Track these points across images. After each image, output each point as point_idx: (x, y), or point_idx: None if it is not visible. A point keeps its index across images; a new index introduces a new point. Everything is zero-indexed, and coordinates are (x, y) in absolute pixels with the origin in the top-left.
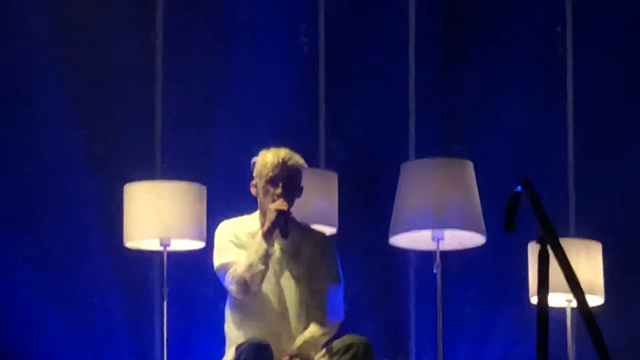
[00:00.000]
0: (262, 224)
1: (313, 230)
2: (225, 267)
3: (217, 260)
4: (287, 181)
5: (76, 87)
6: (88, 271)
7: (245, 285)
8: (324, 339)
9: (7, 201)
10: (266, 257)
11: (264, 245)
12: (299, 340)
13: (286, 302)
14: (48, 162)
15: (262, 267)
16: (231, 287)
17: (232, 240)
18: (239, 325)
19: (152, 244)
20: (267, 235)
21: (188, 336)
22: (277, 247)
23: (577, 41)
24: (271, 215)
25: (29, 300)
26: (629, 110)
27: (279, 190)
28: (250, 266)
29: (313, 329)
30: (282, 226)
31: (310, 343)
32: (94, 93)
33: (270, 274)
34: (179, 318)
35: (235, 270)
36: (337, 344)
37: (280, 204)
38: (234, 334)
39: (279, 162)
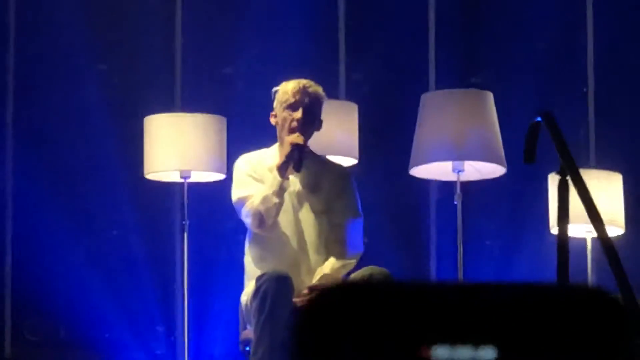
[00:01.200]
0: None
1: (332, 163)
2: (243, 201)
3: (235, 193)
4: (307, 108)
5: (96, 21)
6: (108, 203)
7: (261, 218)
8: (344, 271)
9: (28, 133)
10: (281, 191)
11: (279, 179)
12: (319, 272)
13: (305, 236)
14: (69, 95)
15: (276, 200)
16: (247, 219)
17: (250, 174)
18: (259, 258)
19: (172, 176)
20: (282, 169)
21: (208, 268)
22: (295, 180)
23: None
24: (286, 149)
25: (50, 234)
26: None
27: (298, 115)
28: (265, 199)
29: (332, 261)
30: (296, 160)
31: (329, 275)
32: (114, 26)
33: (288, 207)
34: (199, 250)
35: (252, 203)
36: (358, 274)
37: (296, 138)
38: (253, 267)
39: (299, 87)
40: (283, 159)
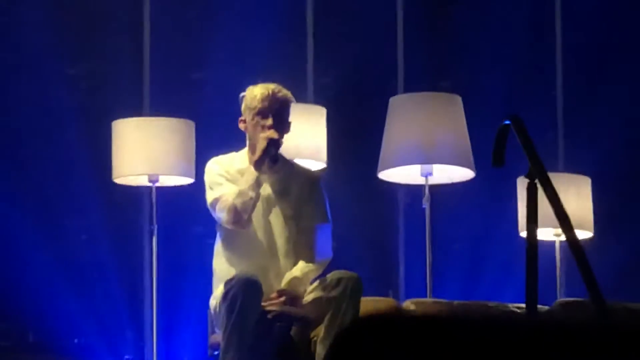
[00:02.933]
0: (251, 161)
1: (301, 168)
2: (217, 200)
3: (210, 195)
4: (277, 113)
5: (63, 25)
6: (77, 208)
7: (236, 213)
8: (312, 276)
9: None
10: (257, 186)
11: (255, 174)
12: (287, 276)
13: (275, 239)
14: (36, 100)
15: (252, 194)
16: (222, 215)
17: (223, 174)
18: (228, 261)
19: (140, 180)
20: (258, 164)
21: (177, 273)
22: (266, 185)
23: None
24: (262, 144)
25: (18, 238)
26: (617, 44)
27: (269, 122)
28: (241, 193)
29: (301, 266)
30: (272, 155)
31: (298, 279)
32: (82, 31)
33: (258, 211)
34: (167, 254)
35: (227, 200)
36: (327, 278)
37: (272, 133)
38: (223, 270)
39: (268, 94)
40: (259, 153)
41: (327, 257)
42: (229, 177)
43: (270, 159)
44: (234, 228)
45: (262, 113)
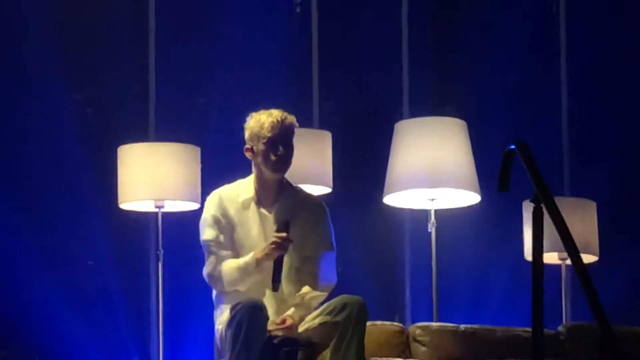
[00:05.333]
0: (256, 190)
1: (307, 195)
2: (205, 244)
3: (204, 233)
4: (286, 142)
5: (70, 51)
6: (83, 234)
7: (233, 285)
8: (316, 302)
9: (1, 163)
10: (259, 269)
11: (253, 273)
12: (292, 302)
13: None
14: (43, 126)
15: (258, 276)
16: (219, 279)
17: (217, 217)
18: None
19: (146, 206)
20: (260, 262)
21: (183, 298)
22: (271, 213)
23: None
24: (270, 251)
25: (25, 264)
26: (622, 69)
27: (280, 152)
28: (247, 272)
29: (304, 291)
30: (277, 271)
31: (301, 305)
32: (88, 56)
33: (263, 239)
34: (174, 279)
35: (230, 272)
36: (332, 303)
37: (280, 248)
38: (227, 297)
39: (277, 122)
40: (264, 254)
41: (331, 282)
42: (222, 220)
43: (273, 280)
44: (217, 291)
45: (271, 142)
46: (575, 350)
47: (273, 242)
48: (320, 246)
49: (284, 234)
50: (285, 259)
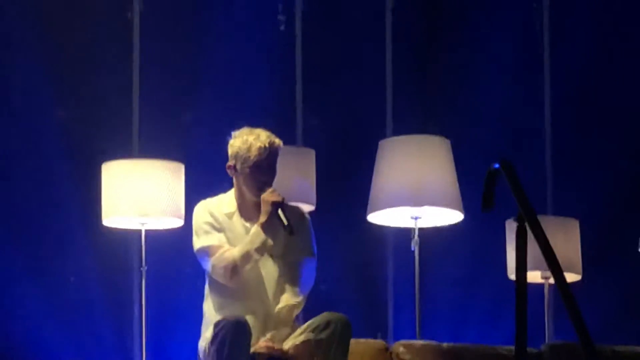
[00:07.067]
0: (239, 205)
1: (289, 206)
2: (205, 251)
3: (197, 243)
4: (273, 165)
5: (54, 67)
6: (66, 250)
7: (234, 271)
8: (297, 311)
9: None
10: (262, 248)
11: (262, 237)
12: (275, 317)
13: (264, 280)
14: (27, 142)
15: (257, 257)
16: (218, 269)
17: (209, 222)
18: (218, 304)
19: (130, 223)
20: (265, 227)
21: (166, 315)
22: (254, 227)
23: (554, 18)
24: (266, 207)
25: (7, 281)
26: (605, 89)
27: (267, 175)
28: (247, 255)
29: (285, 298)
30: (281, 217)
31: (281, 322)
32: (72, 72)
33: None
34: (157, 296)
35: (222, 255)
36: (316, 320)
37: (276, 196)
38: (213, 313)
39: (264, 146)
40: (265, 216)
41: (309, 288)
42: (216, 224)
43: (284, 226)
44: (229, 283)
45: (258, 166)
46: None
47: (264, 201)
48: (303, 252)
49: (279, 197)
50: (271, 272)
